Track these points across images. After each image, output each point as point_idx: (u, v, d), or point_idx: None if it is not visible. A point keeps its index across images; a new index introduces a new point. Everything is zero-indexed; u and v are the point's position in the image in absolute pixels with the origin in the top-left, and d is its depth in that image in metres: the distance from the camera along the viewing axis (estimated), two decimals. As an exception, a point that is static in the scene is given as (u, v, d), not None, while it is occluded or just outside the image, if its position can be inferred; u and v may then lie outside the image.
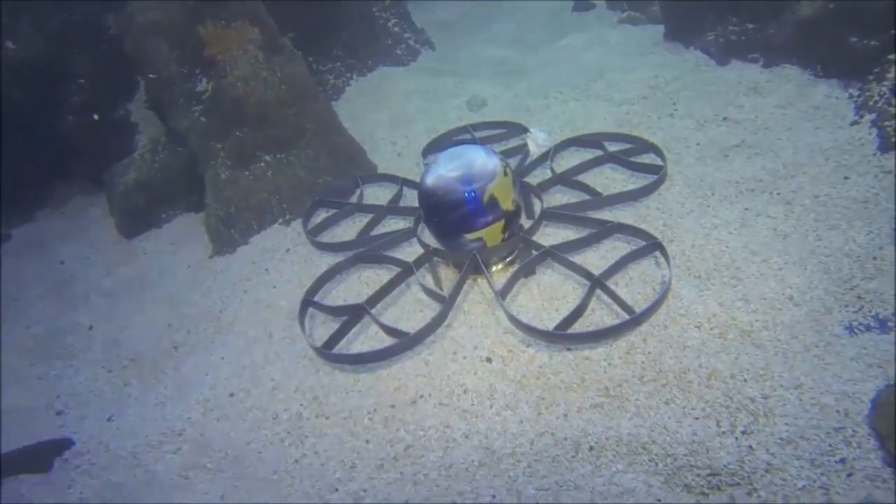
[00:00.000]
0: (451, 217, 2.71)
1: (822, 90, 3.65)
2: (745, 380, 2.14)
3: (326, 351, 2.65)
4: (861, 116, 3.26)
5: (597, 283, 2.55)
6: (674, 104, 3.95)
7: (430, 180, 2.75)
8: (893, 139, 2.99)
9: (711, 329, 2.39)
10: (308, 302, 2.93)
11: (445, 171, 2.72)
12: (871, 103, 3.28)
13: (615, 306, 2.56)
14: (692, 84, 4.12)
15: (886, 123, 3.08)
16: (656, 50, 4.73)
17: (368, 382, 2.61)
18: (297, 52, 4.05)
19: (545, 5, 6.42)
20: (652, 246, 2.68)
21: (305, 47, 4.84)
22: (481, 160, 2.72)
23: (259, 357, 2.93)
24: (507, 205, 2.73)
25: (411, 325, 2.81)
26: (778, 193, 2.97)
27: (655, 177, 3.18)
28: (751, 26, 4.16)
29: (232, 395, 2.76)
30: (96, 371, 3.15)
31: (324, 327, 2.99)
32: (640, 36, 5.08)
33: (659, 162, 3.30)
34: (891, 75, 3.31)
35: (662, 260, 2.72)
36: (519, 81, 4.87)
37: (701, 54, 4.42)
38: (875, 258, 2.53)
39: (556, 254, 2.75)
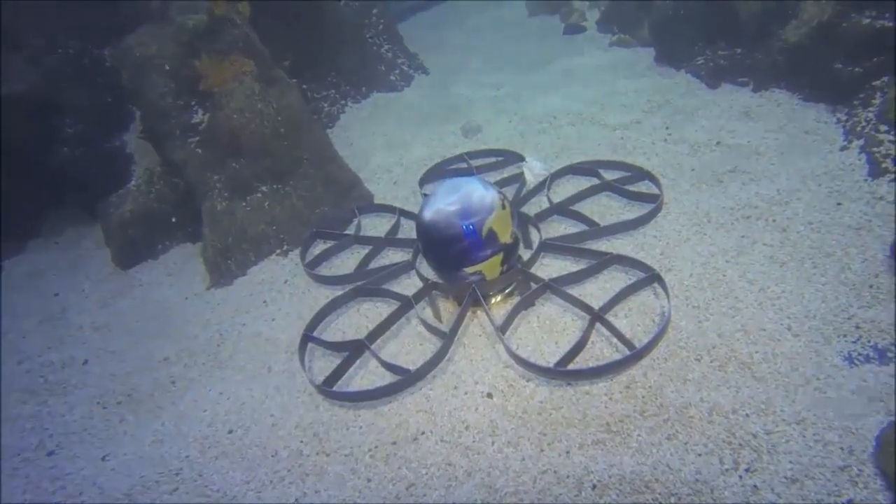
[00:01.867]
0: (450, 251, 2.72)
1: (811, 114, 3.71)
2: (748, 414, 2.15)
3: (328, 389, 2.63)
4: (850, 142, 3.31)
5: (596, 316, 2.55)
6: (667, 128, 3.99)
7: (428, 214, 2.76)
8: (883, 165, 3.03)
9: (712, 362, 2.39)
10: (308, 337, 2.92)
11: (444, 204, 2.73)
12: (858, 129, 3.33)
13: (615, 339, 2.56)
14: (684, 108, 4.17)
15: (875, 149, 3.12)
16: (648, 73, 4.79)
17: (369, 418, 2.59)
18: (291, 82, 4.08)
19: (536, 28, 6.51)
20: (650, 278, 2.69)
21: (300, 74, 4.90)
22: (479, 193, 2.73)
23: (258, 392, 2.91)
24: (505, 238, 2.74)
25: (411, 360, 2.81)
26: (773, 220, 3.00)
27: (652, 205, 3.19)
28: (739, 51, 4.23)
29: (231, 431, 2.74)
30: (91, 407, 3.11)
31: (323, 360, 2.98)
32: (632, 59, 5.15)
33: (655, 190, 3.32)
34: (876, 101, 3.37)
35: (661, 290, 2.73)
36: (513, 106, 4.92)
37: (692, 77, 4.48)
38: (871, 286, 2.55)
39: (556, 287, 2.75)
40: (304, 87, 4.89)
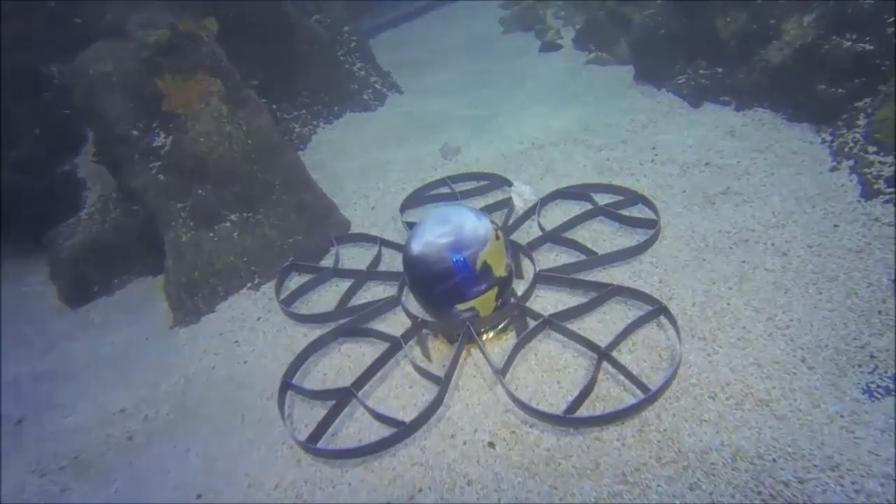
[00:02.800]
0: (441, 287, 2.51)
1: (796, 134, 3.67)
2: (774, 459, 2.00)
3: (312, 446, 2.37)
4: (839, 162, 3.27)
5: (604, 355, 2.38)
6: (653, 149, 3.90)
7: (416, 247, 2.55)
8: (875, 186, 2.98)
9: (727, 399, 2.25)
10: (287, 384, 2.65)
11: (433, 236, 2.52)
12: (846, 150, 3.29)
13: (621, 377, 2.40)
14: (669, 128, 4.10)
15: (866, 171, 3.08)
16: (629, 92, 4.73)
17: (358, 474, 2.34)
18: (262, 103, 3.84)
19: (511, 46, 6.43)
20: (656, 311, 2.54)
21: (269, 94, 4.65)
22: (472, 224, 2.54)
23: (231, 447, 2.62)
24: (500, 271, 2.55)
25: (401, 405, 2.58)
26: (772, 244, 2.91)
27: (649, 230, 3.07)
28: (720, 70, 4.20)
29: (200, 496, 2.44)
30: (24, 477, 2.68)
31: (304, 407, 2.72)
32: (611, 77, 5.09)
33: (650, 213, 3.20)
34: (860, 122, 3.35)
35: (665, 321, 2.59)
36: (492, 126, 4.78)
37: (673, 96, 4.44)
38: (880, 312, 2.46)
39: (556, 323, 2.57)
40: (274, 107, 4.65)
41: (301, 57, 4.93)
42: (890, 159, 3.00)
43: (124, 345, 3.40)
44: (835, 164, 3.27)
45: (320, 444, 2.42)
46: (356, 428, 2.54)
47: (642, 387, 2.25)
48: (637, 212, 3.35)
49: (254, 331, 3.21)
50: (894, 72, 3.18)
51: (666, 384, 2.26)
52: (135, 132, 3.60)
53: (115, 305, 3.76)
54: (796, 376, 2.28)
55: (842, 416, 2.10)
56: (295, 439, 2.45)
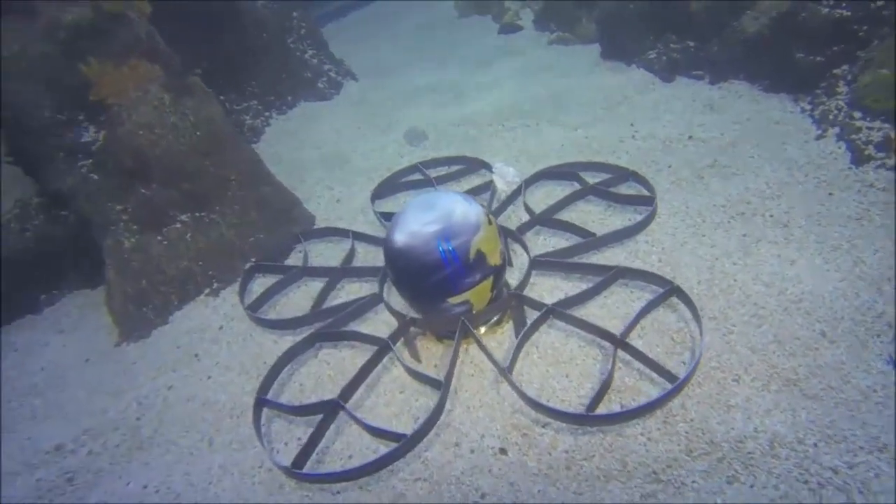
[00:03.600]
0: (430, 280, 2.24)
1: (775, 104, 3.60)
2: (816, 444, 1.84)
3: (300, 472, 2.06)
4: (824, 130, 3.19)
5: (619, 343, 2.17)
6: (632, 125, 3.75)
7: (401, 238, 2.27)
8: (866, 152, 2.91)
9: (752, 381, 2.08)
10: (262, 402, 2.32)
11: (419, 225, 2.25)
12: (830, 117, 3.22)
13: (636, 364, 2.20)
14: (645, 104, 3.96)
15: (854, 137, 3.01)
16: (598, 70, 4.58)
17: (353, 497, 2.05)
18: (210, 91, 3.45)
19: (469, 30, 6.20)
20: (668, 292, 2.36)
21: (215, 84, 4.23)
22: (461, 209, 2.28)
23: (199, 476, 2.27)
24: (494, 259, 2.31)
25: (393, 413, 2.30)
26: (771, 216, 2.78)
27: (640, 208, 2.90)
28: (691, 44, 4.09)
29: (167, 538, 2.09)
30: None
31: (280, 422, 2.40)
32: (576, 56, 4.93)
33: (643, 190, 3.03)
34: (841, 90, 3.29)
35: (676, 302, 2.41)
36: (457, 110, 4.53)
37: (645, 72, 4.31)
38: (889, 279, 2.37)
39: (561, 312, 2.35)
40: (222, 97, 4.24)
41: (248, 44, 4.53)
42: (878, 124, 2.93)
43: (57, 369, 2.95)
44: (820, 132, 3.20)
45: (306, 466, 2.11)
46: (343, 444, 2.24)
47: (667, 375, 2.06)
48: (625, 191, 3.17)
49: (216, 342, 2.85)
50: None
51: (693, 370, 2.07)
52: (56, 126, 3.15)
53: (44, 325, 3.29)
54: (819, 352, 2.14)
55: (875, 391, 1.97)
56: (278, 465, 2.13)
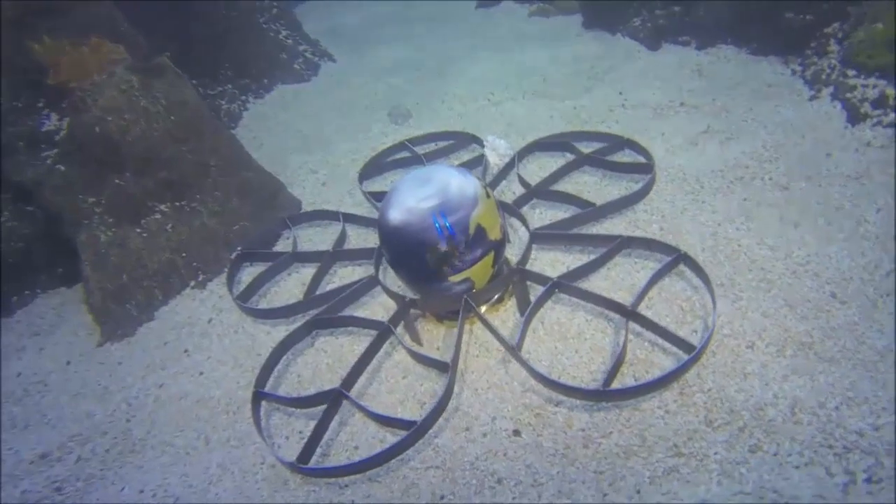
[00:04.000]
0: (429, 258, 2.14)
1: (765, 67, 3.55)
2: (837, 407, 1.80)
3: (306, 467, 1.96)
4: (818, 91, 3.15)
5: (631, 314, 2.11)
6: (620, 94, 3.67)
7: (396, 215, 2.16)
8: (862, 110, 2.87)
9: (767, 347, 2.04)
10: (260, 395, 2.21)
11: (415, 200, 2.14)
12: (823, 77, 3.18)
13: (646, 335, 2.14)
14: (632, 72, 3.88)
15: (849, 95, 2.97)
16: (581, 40, 4.48)
17: (363, 490, 1.96)
18: (181, 73, 3.26)
19: (444, 4, 6.02)
20: (676, 259, 2.29)
21: (185, 69, 4.02)
22: (457, 182, 2.18)
23: (197, 476, 2.17)
24: (494, 234, 2.21)
25: (397, 399, 2.22)
26: (770, 178, 2.74)
27: (637, 176, 2.83)
28: (676, 9, 4.01)
29: (169, 544, 1.99)
30: None
31: (279, 415, 2.29)
32: (558, 27, 4.82)
33: (639, 158, 2.96)
34: (832, 49, 3.25)
35: (684, 270, 2.35)
36: (440, 86, 4.40)
37: (630, 40, 4.22)
38: (894, 237, 2.34)
39: (568, 285, 2.27)
40: (195, 82, 4.03)
41: (217, 25, 4.31)
42: (872, 81, 2.89)
43: (36, 375, 2.78)
44: (813, 93, 3.15)
45: (312, 460, 2.01)
46: (348, 434, 2.15)
47: (683, 344, 2.00)
48: (621, 159, 3.09)
49: (206, 335, 2.72)
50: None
51: (710, 336, 2.02)
52: (12, 114, 2.95)
53: (16, 328, 3.10)
54: (832, 314, 2.11)
55: (891, 351, 1.94)
56: (281, 461, 2.03)
